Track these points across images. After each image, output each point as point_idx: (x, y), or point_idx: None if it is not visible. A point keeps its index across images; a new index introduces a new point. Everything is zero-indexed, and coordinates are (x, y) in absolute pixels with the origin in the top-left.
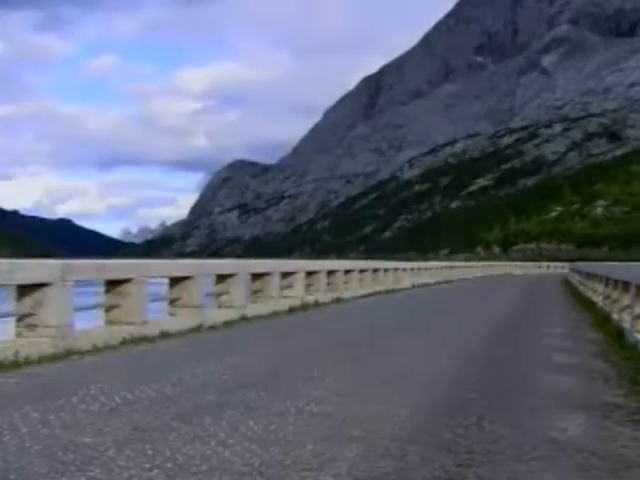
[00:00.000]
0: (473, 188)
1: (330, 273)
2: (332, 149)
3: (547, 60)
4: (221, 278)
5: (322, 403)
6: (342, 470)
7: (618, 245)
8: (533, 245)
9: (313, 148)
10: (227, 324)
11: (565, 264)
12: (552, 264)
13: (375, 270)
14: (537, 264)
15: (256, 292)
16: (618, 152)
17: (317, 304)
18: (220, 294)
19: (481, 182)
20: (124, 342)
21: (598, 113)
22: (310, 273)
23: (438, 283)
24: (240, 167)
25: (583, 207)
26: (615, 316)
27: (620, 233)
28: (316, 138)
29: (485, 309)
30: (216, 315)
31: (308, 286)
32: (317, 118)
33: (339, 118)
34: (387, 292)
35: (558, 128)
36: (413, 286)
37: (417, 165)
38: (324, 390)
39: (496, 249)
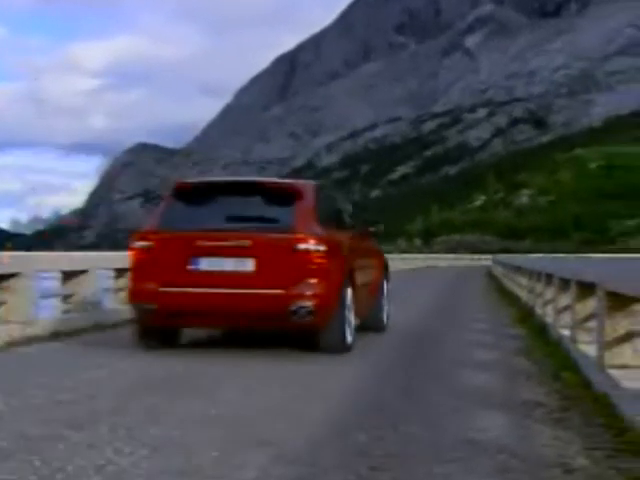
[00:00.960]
0: (394, 176)
1: None
2: (244, 133)
3: (471, 41)
4: (121, 272)
5: (230, 404)
6: (250, 477)
7: (543, 236)
8: (457, 237)
9: (223, 131)
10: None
11: (489, 256)
12: (476, 256)
13: None
14: (460, 256)
15: None
16: (544, 139)
17: None
18: (121, 289)
19: (402, 169)
20: None
21: (523, 98)
22: None
23: None
24: (143, 151)
25: (507, 196)
26: (539, 310)
27: (545, 224)
28: (226, 121)
29: (406, 304)
30: (113, 314)
31: None
32: (227, 99)
33: (251, 99)
34: None
35: (482, 113)
36: None
37: (335, 151)
38: (236, 391)
39: (418, 241)
